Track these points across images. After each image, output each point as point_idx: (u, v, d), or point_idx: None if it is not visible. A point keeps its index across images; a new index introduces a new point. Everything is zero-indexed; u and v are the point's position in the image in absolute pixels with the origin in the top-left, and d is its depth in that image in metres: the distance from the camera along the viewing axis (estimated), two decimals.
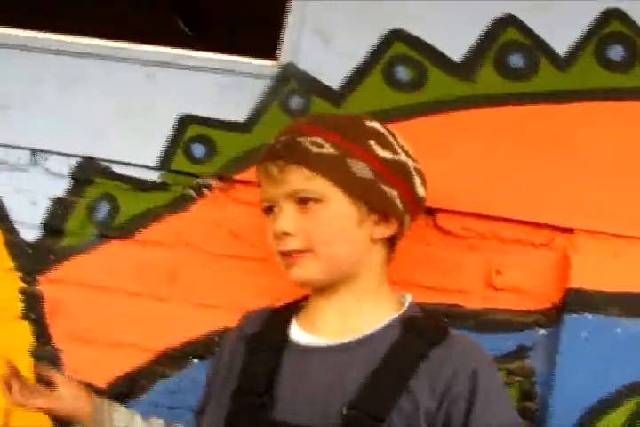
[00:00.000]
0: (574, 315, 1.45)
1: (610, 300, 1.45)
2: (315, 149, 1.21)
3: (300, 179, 1.21)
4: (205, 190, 1.62)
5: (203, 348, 1.58)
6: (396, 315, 1.24)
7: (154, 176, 1.64)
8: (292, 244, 1.21)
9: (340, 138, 1.23)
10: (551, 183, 1.51)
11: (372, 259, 1.26)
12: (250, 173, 1.59)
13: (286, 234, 1.21)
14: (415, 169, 1.28)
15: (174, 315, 1.60)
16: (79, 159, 1.67)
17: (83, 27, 2.04)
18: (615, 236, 1.48)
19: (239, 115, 1.62)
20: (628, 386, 1.43)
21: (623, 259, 1.47)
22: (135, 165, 1.65)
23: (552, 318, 1.49)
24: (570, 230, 1.50)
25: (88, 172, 1.67)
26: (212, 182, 1.62)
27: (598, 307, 1.46)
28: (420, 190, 1.29)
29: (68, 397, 1.36)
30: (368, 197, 1.22)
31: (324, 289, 1.26)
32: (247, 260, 1.59)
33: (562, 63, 1.53)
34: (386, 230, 1.25)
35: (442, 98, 1.55)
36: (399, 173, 1.25)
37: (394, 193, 1.24)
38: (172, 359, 1.59)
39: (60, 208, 1.67)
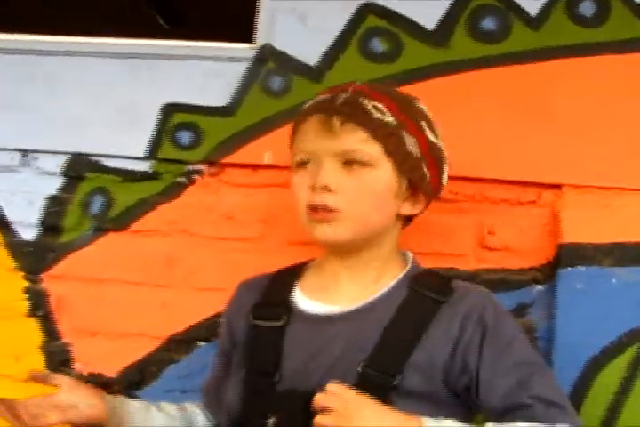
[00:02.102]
0: (569, 269, 1.47)
1: (602, 251, 1.47)
2: (376, 114, 1.22)
3: (356, 139, 1.21)
4: (196, 176, 1.65)
5: (208, 331, 1.59)
6: (403, 273, 1.27)
7: (144, 166, 1.67)
8: (329, 200, 1.20)
9: (399, 110, 1.24)
10: (534, 142, 1.52)
11: (392, 232, 1.28)
12: (237, 156, 1.62)
13: (326, 189, 1.20)
14: (446, 158, 1.31)
15: (177, 301, 1.62)
16: (69, 156, 1.70)
17: (63, 26, 2.06)
18: (602, 188, 1.50)
19: (222, 99, 1.64)
20: (627, 334, 1.44)
21: (612, 210, 1.49)
22: (124, 158, 1.67)
23: (547, 273, 1.51)
24: (557, 186, 1.52)
25: (79, 168, 1.70)
26: (202, 168, 1.64)
27: (592, 259, 1.47)
28: (446, 178, 1.32)
29: (82, 405, 1.26)
30: (411, 174, 1.24)
31: (342, 252, 1.26)
32: (243, 240, 1.61)
33: (534, 22, 1.55)
34: (412, 208, 1.28)
35: (418, 66, 1.56)
36: (437, 158, 1.28)
37: (429, 175, 1.27)
38: (179, 345, 1.61)
39: (56, 206, 1.70)
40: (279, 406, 1.18)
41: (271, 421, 1.16)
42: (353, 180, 1.21)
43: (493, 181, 1.53)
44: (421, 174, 1.25)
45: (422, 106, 1.30)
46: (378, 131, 1.21)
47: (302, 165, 1.25)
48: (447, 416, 1.15)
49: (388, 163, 1.22)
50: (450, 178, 1.51)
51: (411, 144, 1.23)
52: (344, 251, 1.26)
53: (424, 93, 1.53)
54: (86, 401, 1.27)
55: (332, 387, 1.11)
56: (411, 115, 1.26)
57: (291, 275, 1.32)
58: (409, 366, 1.17)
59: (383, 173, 1.22)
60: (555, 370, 1.45)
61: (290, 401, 1.17)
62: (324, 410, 1.09)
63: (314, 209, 1.21)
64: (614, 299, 1.46)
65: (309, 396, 1.13)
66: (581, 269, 1.47)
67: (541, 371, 1.20)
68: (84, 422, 1.27)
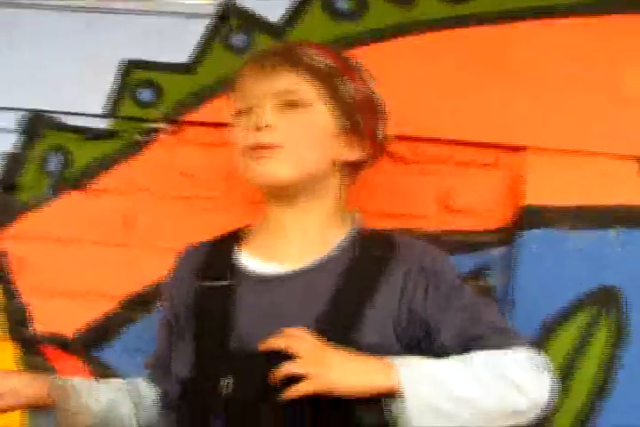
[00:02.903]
0: (528, 231, 1.49)
1: (562, 214, 1.49)
2: (314, 57, 1.27)
3: (293, 80, 1.25)
4: (155, 134, 1.62)
5: None
6: (350, 231, 1.28)
7: (103, 124, 1.63)
8: (269, 136, 1.23)
9: (335, 58, 1.29)
10: (498, 104, 1.52)
11: (333, 181, 1.29)
12: (198, 114, 1.60)
13: (267, 127, 1.23)
14: (384, 109, 1.33)
15: (136, 260, 1.61)
16: (26, 113, 1.66)
17: None
18: (564, 151, 1.50)
19: (182, 56, 1.61)
20: (582, 295, 1.47)
21: (571, 173, 1.50)
22: (83, 115, 1.64)
23: (507, 236, 1.52)
24: (521, 148, 1.52)
25: (36, 125, 1.66)
26: (162, 126, 1.62)
27: (551, 222, 1.49)
28: (383, 128, 1.33)
29: (19, 386, 1.19)
30: (347, 117, 1.27)
31: (283, 199, 1.27)
32: (203, 199, 1.59)
33: None
34: (349, 154, 1.28)
35: (383, 26, 1.55)
36: (375, 107, 1.31)
37: (364, 122, 1.28)
38: (138, 304, 1.60)
39: (12, 163, 1.66)
40: (234, 367, 1.17)
41: (227, 382, 1.16)
42: (291, 119, 1.24)
43: (455, 143, 1.53)
44: (356, 120, 1.27)
45: (358, 61, 1.33)
46: (315, 73, 1.25)
47: (242, 112, 1.28)
48: None
49: (324, 105, 1.26)
50: (411, 139, 1.53)
51: (348, 89, 1.27)
52: (284, 195, 1.27)
53: (387, 53, 1.54)
54: (23, 382, 1.20)
55: (292, 331, 1.13)
56: (347, 63, 1.30)
57: (233, 238, 1.32)
58: (362, 321, 1.17)
59: (318, 114, 1.26)
60: None
61: (245, 361, 1.17)
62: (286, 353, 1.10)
63: (255, 148, 1.24)
64: (571, 261, 1.48)
65: (265, 355, 1.13)
66: (540, 231, 1.49)
67: (489, 307, 1.24)
68: (25, 403, 1.21)
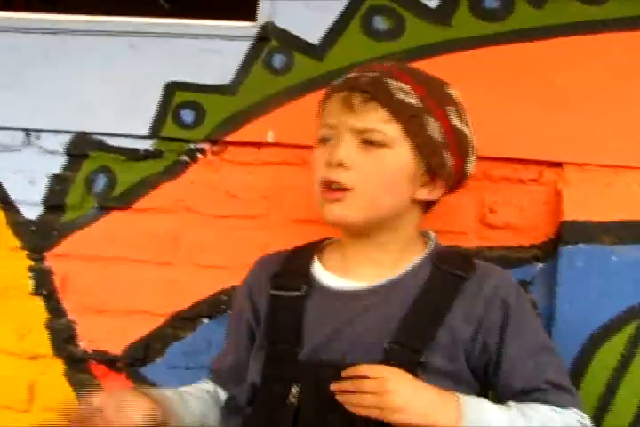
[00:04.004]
0: (569, 246, 1.48)
1: (602, 229, 1.48)
2: (400, 95, 1.22)
3: (377, 118, 1.21)
4: (198, 155, 1.65)
5: (211, 308, 1.61)
6: (426, 252, 1.28)
7: (147, 145, 1.67)
8: (343, 176, 1.20)
9: (425, 93, 1.24)
10: (537, 120, 1.53)
11: (409, 218, 1.28)
12: (240, 134, 1.63)
13: (342, 165, 1.20)
14: (473, 147, 1.31)
15: (181, 278, 1.64)
16: (72, 135, 1.70)
17: (65, 4, 2.06)
18: (602, 166, 1.50)
19: (224, 78, 1.64)
20: (625, 311, 1.46)
21: (612, 188, 1.49)
22: (127, 136, 1.68)
23: (548, 251, 1.52)
24: (558, 164, 1.52)
25: (82, 146, 1.70)
26: (204, 146, 1.65)
27: (592, 237, 1.48)
28: (471, 167, 1.32)
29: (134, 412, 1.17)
30: (430, 158, 1.24)
31: (358, 235, 1.27)
32: (247, 218, 1.62)
33: (536, 0, 1.54)
34: (430, 194, 1.28)
35: (421, 44, 1.56)
36: (462, 146, 1.28)
37: (451, 162, 1.26)
38: (184, 321, 1.63)
39: (59, 184, 1.70)
40: (303, 376, 1.20)
41: (295, 390, 1.19)
42: (368, 159, 1.21)
43: (495, 159, 1.54)
44: (441, 160, 1.25)
45: (453, 91, 1.30)
46: (399, 111, 1.21)
47: (323, 141, 1.26)
48: (466, 393, 1.18)
49: (407, 145, 1.22)
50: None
51: (433, 128, 1.23)
52: (356, 232, 1.27)
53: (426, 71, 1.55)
54: (135, 404, 1.18)
55: (378, 367, 1.14)
56: (437, 99, 1.25)
57: (309, 250, 1.33)
58: (434, 343, 1.19)
59: (399, 155, 1.22)
60: (556, 346, 1.47)
61: (315, 371, 1.19)
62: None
63: (327, 186, 1.22)
64: (614, 276, 1.47)
65: (335, 367, 1.16)
66: (582, 246, 1.48)
67: (554, 356, 1.25)
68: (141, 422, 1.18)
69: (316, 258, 1.31)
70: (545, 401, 1.19)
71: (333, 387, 1.15)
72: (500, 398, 1.22)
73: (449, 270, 1.24)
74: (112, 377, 1.66)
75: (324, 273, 1.28)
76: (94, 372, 1.67)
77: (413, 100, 1.22)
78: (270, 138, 1.60)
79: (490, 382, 1.24)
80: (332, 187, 1.22)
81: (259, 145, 1.62)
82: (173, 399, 1.25)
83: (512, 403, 1.19)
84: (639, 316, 1.46)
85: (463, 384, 1.21)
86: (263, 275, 1.33)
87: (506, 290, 1.25)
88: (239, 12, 1.74)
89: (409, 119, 1.21)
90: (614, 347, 1.46)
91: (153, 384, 1.62)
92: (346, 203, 1.21)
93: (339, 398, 1.14)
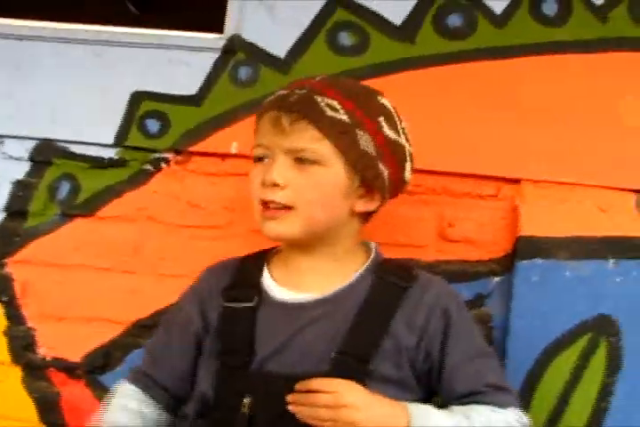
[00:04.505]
0: (525, 261, 1.52)
1: (557, 244, 1.52)
2: (329, 112, 1.22)
3: (308, 138, 1.22)
4: (162, 164, 1.66)
5: None
6: (368, 262, 1.30)
7: (111, 153, 1.67)
8: (278, 196, 1.22)
9: (354, 107, 1.24)
10: (495, 137, 1.56)
11: (349, 229, 1.30)
12: (204, 145, 1.64)
13: (276, 185, 1.22)
14: (410, 153, 1.32)
15: (142, 287, 1.64)
16: (37, 141, 1.70)
17: (32, 10, 2.05)
18: (558, 183, 1.54)
19: (190, 88, 1.65)
20: (578, 325, 1.50)
21: (566, 205, 1.53)
22: (92, 144, 1.68)
23: (505, 265, 1.55)
24: (517, 181, 1.56)
25: (46, 153, 1.70)
26: (169, 156, 1.66)
27: (547, 252, 1.52)
28: (408, 174, 1.33)
29: None
30: (364, 172, 1.25)
31: (300, 247, 1.29)
32: (208, 228, 1.63)
33: (499, 20, 1.58)
34: (367, 205, 1.29)
35: (385, 61, 1.59)
36: (396, 154, 1.28)
37: (386, 172, 1.27)
38: (144, 329, 1.63)
39: (22, 191, 1.70)
40: (255, 387, 1.21)
41: (247, 401, 1.20)
42: (303, 177, 1.22)
43: (455, 175, 1.57)
44: (376, 172, 1.26)
45: (384, 101, 1.30)
46: (329, 129, 1.22)
47: (259, 160, 1.27)
48: (412, 400, 1.22)
49: (340, 161, 1.23)
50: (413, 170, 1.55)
51: (365, 142, 1.24)
52: (296, 245, 1.29)
53: (389, 87, 1.56)
54: None
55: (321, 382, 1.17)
56: (367, 112, 1.25)
57: (259, 259, 1.35)
58: (380, 351, 1.22)
59: (332, 172, 1.23)
60: (509, 359, 1.51)
61: (266, 382, 1.21)
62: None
63: (265, 205, 1.24)
64: (567, 291, 1.51)
65: (287, 378, 1.19)
66: (537, 261, 1.52)
67: (492, 360, 1.29)
68: None
69: (265, 269, 1.32)
70: (486, 402, 1.23)
71: (289, 400, 1.17)
72: (443, 401, 1.26)
73: (391, 280, 1.27)
74: (71, 385, 1.66)
75: (273, 284, 1.30)
76: (53, 379, 1.66)
77: (343, 117, 1.22)
78: (234, 149, 1.61)
79: (433, 388, 1.27)
80: (270, 206, 1.23)
81: (223, 156, 1.63)
82: None
83: (455, 407, 1.23)
84: (591, 330, 1.50)
85: (408, 391, 1.24)
86: (214, 285, 1.33)
87: (447, 299, 1.28)
88: (207, 24, 1.76)
89: (340, 136, 1.22)
90: (567, 360, 1.50)
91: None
92: (284, 220, 1.23)
93: (293, 409, 1.17)
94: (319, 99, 1.23)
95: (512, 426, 1.22)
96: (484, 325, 1.54)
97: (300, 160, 1.22)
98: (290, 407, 1.17)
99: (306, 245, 1.28)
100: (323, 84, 1.27)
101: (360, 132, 1.24)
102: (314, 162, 1.22)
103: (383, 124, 1.27)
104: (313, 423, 1.16)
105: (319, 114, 1.22)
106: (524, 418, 1.25)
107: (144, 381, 1.35)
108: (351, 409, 1.15)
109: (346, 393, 1.16)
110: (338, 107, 1.23)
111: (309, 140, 1.22)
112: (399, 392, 1.22)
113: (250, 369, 1.23)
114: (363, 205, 1.28)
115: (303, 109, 1.22)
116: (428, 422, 1.18)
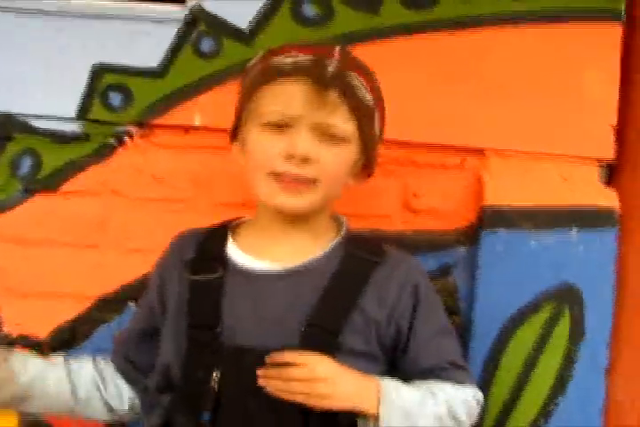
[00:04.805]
0: (490, 231, 1.53)
1: (522, 214, 1.53)
2: (360, 93, 1.24)
3: (339, 115, 1.22)
4: (126, 138, 1.64)
5: (138, 291, 1.58)
6: (339, 236, 1.31)
7: (73, 127, 1.65)
8: (307, 170, 1.21)
9: (372, 88, 1.28)
10: (459, 107, 1.56)
11: (332, 203, 1.33)
12: (167, 118, 1.62)
13: (306, 159, 1.21)
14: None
15: (107, 262, 1.63)
16: None
17: None
18: (522, 153, 1.55)
19: (152, 61, 1.63)
20: (543, 294, 1.51)
21: (531, 175, 1.54)
22: (54, 118, 1.65)
23: (470, 235, 1.56)
24: (480, 151, 1.57)
25: (7, 128, 1.67)
26: (132, 129, 1.64)
27: (512, 222, 1.53)
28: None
29: None
30: (370, 153, 1.30)
31: (290, 218, 1.28)
32: (173, 202, 1.62)
33: None
34: (356, 182, 1.33)
35: (349, 31, 1.58)
36: (381, 138, 1.34)
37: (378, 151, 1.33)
38: (110, 305, 1.62)
39: None
40: (224, 360, 1.21)
41: (216, 374, 1.20)
42: (331, 153, 1.23)
43: (420, 145, 1.57)
44: (375, 154, 1.31)
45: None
46: (358, 109, 1.24)
47: (275, 127, 1.22)
48: (380, 373, 1.24)
49: (357, 141, 1.26)
50: None
51: (377, 124, 1.30)
52: (289, 217, 1.28)
53: None
54: None
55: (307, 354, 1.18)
56: (378, 92, 1.30)
57: (223, 230, 1.34)
58: (348, 325, 1.22)
59: (352, 150, 1.26)
60: (475, 328, 1.52)
61: (235, 356, 1.20)
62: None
63: (286, 178, 1.22)
64: (532, 261, 1.52)
65: (256, 352, 1.19)
66: (502, 231, 1.53)
67: (454, 338, 1.33)
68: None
69: (230, 239, 1.32)
70: (447, 379, 1.27)
71: (259, 374, 1.17)
72: (405, 375, 1.27)
73: (361, 255, 1.28)
74: None
75: (240, 254, 1.29)
76: None
77: (368, 97, 1.26)
78: (197, 121, 1.60)
79: (397, 361, 1.28)
80: (290, 180, 1.22)
81: (186, 128, 1.62)
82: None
83: (418, 382, 1.25)
84: (555, 299, 1.52)
85: (376, 364, 1.26)
86: (178, 258, 1.33)
87: (417, 276, 1.30)
88: None
89: (363, 118, 1.25)
90: (532, 328, 1.52)
91: None
92: (305, 195, 1.23)
93: (263, 383, 1.17)
94: (352, 75, 1.24)
95: (470, 401, 1.28)
96: (450, 295, 1.55)
97: (329, 136, 1.22)
98: (260, 381, 1.17)
99: (299, 216, 1.28)
100: (346, 57, 1.27)
101: (377, 115, 1.29)
102: (342, 139, 1.23)
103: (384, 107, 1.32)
104: (284, 397, 1.16)
105: (352, 92, 1.23)
106: (479, 394, 1.31)
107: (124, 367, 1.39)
108: (324, 382, 1.17)
109: (318, 366, 1.17)
110: (364, 87, 1.25)
111: (341, 117, 1.22)
112: (368, 365, 1.24)
113: (218, 342, 1.22)
114: (353, 182, 1.32)
115: (340, 86, 1.21)
116: (397, 395, 1.20)
